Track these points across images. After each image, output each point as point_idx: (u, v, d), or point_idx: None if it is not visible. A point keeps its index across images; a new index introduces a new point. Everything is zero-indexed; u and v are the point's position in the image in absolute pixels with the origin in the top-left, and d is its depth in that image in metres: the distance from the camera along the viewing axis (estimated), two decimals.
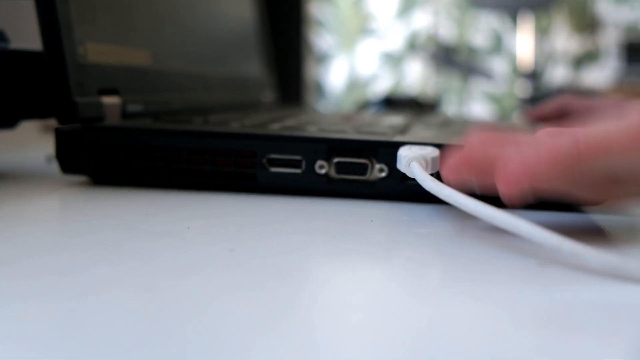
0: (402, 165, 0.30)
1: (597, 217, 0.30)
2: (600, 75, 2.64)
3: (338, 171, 0.33)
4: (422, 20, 2.76)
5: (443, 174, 0.26)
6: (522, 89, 2.47)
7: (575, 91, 2.11)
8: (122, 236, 0.24)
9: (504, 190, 0.23)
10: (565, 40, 2.66)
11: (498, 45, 2.72)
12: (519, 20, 2.53)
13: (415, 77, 2.77)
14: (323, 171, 0.33)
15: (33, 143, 0.56)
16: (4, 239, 0.23)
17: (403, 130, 0.41)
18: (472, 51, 2.73)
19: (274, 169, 0.33)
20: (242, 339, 0.15)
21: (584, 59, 2.66)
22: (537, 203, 0.32)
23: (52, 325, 0.15)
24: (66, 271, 0.19)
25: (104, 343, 0.14)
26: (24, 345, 0.14)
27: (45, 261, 0.20)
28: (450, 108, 2.73)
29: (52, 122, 0.35)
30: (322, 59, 2.80)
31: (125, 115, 0.39)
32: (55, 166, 0.35)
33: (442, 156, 0.31)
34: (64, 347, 0.14)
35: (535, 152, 0.23)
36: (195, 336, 0.15)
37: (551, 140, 0.24)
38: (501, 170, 0.23)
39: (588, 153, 0.23)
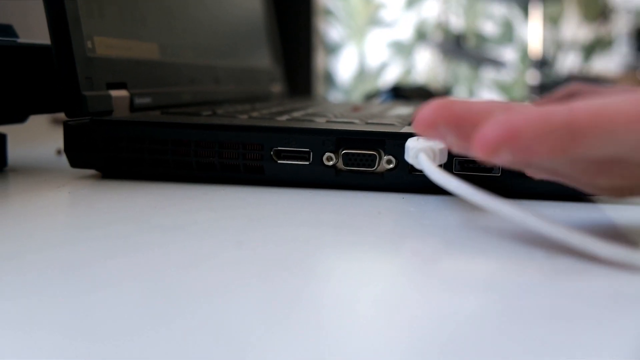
0: (409, 157, 0.30)
1: (606, 207, 0.30)
2: (611, 62, 2.62)
3: (346, 163, 0.33)
4: (431, 9, 2.75)
5: (415, 125, 0.22)
6: (532, 77, 2.45)
7: (585, 79, 2.09)
8: (131, 229, 0.24)
9: (478, 150, 0.20)
10: (576, 28, 2.64)
11: (508, 33, 2.70)
12: (530, 9, 2.51)
13: (425, 66, 2.76)
14: (331, 163, 0.33)
15: (43, 136, 0.56)
16: (14, 232, 0.23)
17: (411, 121, 0.41)
18: (481, 40, 2.72)
19: (281, 161, 0.33)
20: (250, 332, 0.15)
21: (595, 46, 2.64)
22: (544, 193, 0.31)
23: (60, 318, 0.15)
24: (75, 264, 0.19)
25: (112, 336, 0.14)
26: (33, 339, 0.14)
27: (55, 254, 0.20)
28: (460, 97, 2.72)
29: (62, 115, 0.35)
30: (332, 49, 2.79)
31: (133, 108, 0.39)
32: (65, 159, 0.35)
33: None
34: (73, 339, 0.14)
35: (524, 116, 0.19)
36: (203, 328, 0.15)
37: (545, 108, 0.20)
38: (481, 129, 0.20)
39: (587, 125, 0.19)
